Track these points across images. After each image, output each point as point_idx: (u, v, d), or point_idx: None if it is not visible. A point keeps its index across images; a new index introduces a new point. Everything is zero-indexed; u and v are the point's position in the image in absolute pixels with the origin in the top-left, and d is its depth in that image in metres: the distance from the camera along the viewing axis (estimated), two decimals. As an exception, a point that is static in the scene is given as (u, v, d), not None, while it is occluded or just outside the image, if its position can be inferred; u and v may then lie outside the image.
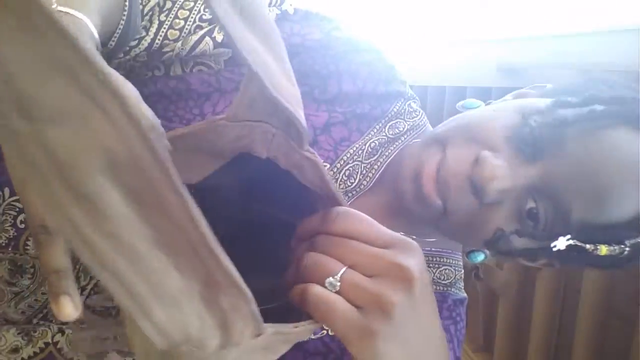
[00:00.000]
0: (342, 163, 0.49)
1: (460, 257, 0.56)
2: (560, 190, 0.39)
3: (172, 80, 0.46)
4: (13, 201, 0.44)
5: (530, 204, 0.41)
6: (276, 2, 0.50)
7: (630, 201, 0.39)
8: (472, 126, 0.43)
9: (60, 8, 0.35)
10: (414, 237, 0.50)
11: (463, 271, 0.56)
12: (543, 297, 1.69)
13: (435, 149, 0.44)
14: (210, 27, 0.46)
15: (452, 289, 0.56)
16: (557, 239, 0.41)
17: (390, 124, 0.52)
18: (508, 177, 0.40)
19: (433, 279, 0.53)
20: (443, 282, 0.54)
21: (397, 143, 0.52)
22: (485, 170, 0.40)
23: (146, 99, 0.46)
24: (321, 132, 0.49)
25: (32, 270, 0.46)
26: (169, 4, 0.47)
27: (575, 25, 1.77)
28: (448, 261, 0.55)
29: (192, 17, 0.46)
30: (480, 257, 0.50)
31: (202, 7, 0.46)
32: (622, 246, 0.40)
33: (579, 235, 0.40)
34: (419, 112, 0.55)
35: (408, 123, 0.53)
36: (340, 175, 0.49)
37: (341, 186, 0.49)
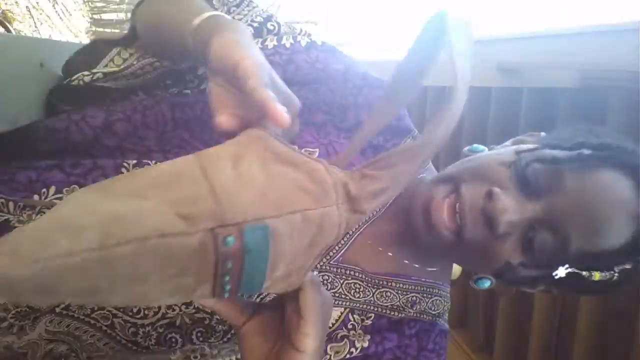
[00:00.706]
0: None
1: (449, 289, 0.62)
2: (561, 223, 0.46)
3: (197, 96, 0.56)
4: (56, 199, 0.49)
5: (533, 236, 0.47)
6: (305, 32, 0.58)
7: (619, 233, 0.46)
8: (481, 167, 0.50)
9: (206, 15, 0.43)
10: (417, 265, 0.58)
11: (449, 303, 0.62)
12: (543, 297, 1.69)
13: (447, 186, 0.50)
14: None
15: (440, 320, 0.61)
16: (557, 268, 0.47)
17: None
18: (517, 211, 0.46)
19: (424, 308, 0.59)
20: (432, 311, 0.59)
21: None
22: (498, 205, 0.46)
23: (188, 122, 0.54)
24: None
25: None
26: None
27: (575, 25, 1.77)
28: (439, 292, 0.60)
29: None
30: (487, 284, 0.56)
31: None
32: (613, 272, 0.48)
33: (576, 263, 0.47)
34: None
35: None
36: None
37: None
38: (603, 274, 0.47)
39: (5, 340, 0.49)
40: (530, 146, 0.51)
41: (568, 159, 0.47)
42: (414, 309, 0.59)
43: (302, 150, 0.49)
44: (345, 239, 0.55)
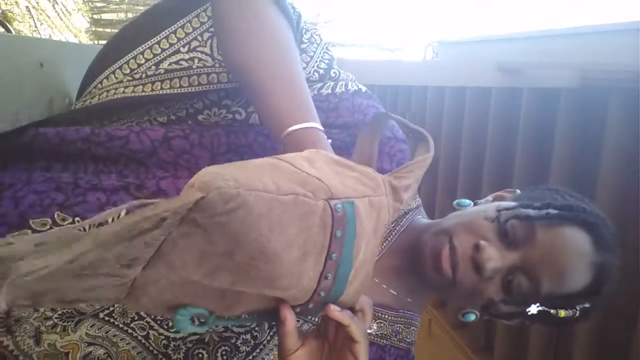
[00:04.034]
0: None
1: (419, 320, 0.73)
2: (534, 270, 0.57)
3: (260, 135, 0.62)
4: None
5: (510, 278, 0.58)
6: (354, 80, 0.68)
7: (580, 278, 0.57)
8: (470, 223, 0.60)
9: (305, 125, 0.49)
10: (409, 299, 0.68)
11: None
12: (543, 297, 1.69)
13: (444, 237, 0.60)
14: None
15: (412, 347, 0.70)
16: (530, 306, 0.58)
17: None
18: (499, 259, 0.57)
19: (403, 337, 0.68)
20: (408, 340, 0.68)
21: (407, 216, 0.68)
22: (484, 254, 0.57)
23: (240, 148, 0.60)
24: None
25: None
26: None
27: (575, 25, 1.77)
28: (415, 323, 0.70)
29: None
30: (472, 317, 0.66)
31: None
32: (575, 310, 0.58)
33: (545, 302, 0.57)
34: (417, 194, 0.72)
35: (414, 202, 0.70)
36: None
37: None
38: (567, 311, 0.58)
39: (49, 339, 0.54)
40: (510, 204, 0.62)
41: (538, 216, 0.58)
42: (397, 337, 0.67)
43: None
44: None
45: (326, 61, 0.66)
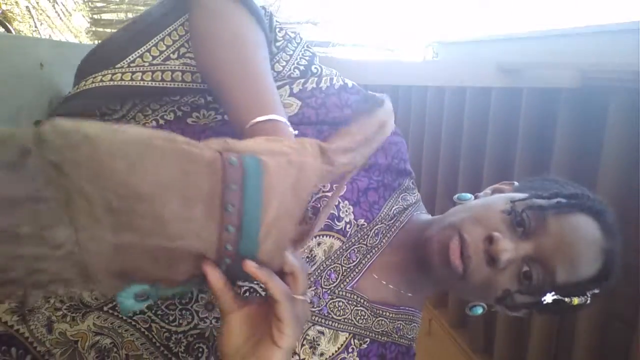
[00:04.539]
0: (375, 222, 0.64)
1: (421, 316, 0.72)
2: (548, 259, 0.57)
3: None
4: None
5: (526, 269, 0.58)
6: (339, 75, 0.68)
7: (592, 265, 0.58)
8: (479, 215, 0.60)
9: (266, 117, 0.49)
10: (410, 294, 0.68)
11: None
12: (543, 297, 1.69)
13: (451, 231, 0.60)
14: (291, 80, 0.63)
15: (413, 344, 0.70)
16: (545, 295, 0.58)
17: (402, 195, 0.69)
18: (513, 250, 0.57)
19: (404, 333, 0.68)
20: (409, 336, 0.68)
21: (406, 212, 0.68)
22: (499, 246, 0.56)
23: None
24: (362, 194, 0.64)
25: None
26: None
27: (575, 25, 1.77)
28: (416, 319, 0.70)
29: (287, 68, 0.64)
30: (479, 310, 0.67)
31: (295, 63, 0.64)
32: (586, 296, 0.59)
33: (560, 291, 0.57)
34: (415, 189, 0.73)
35: (413, 197, 0.70)
36: (371, 232, 0.64)
37: (370, 242, 0.64)
38: (580, 298, 0.59)
39: (60, 328, 0.57)
40: (520, 195, 0.62)
41: (549, 206, 0.58)
42: (398, 334, 0.67)
43: (332, 186, 0.60)
44: (360, 266, 0.63)
45: (307, 58, 0.67)
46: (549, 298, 0.58)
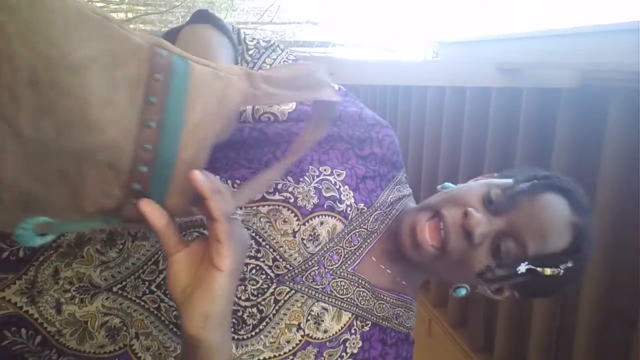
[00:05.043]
0: (374, 208, 0.67)
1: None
2: (519, 232, 0.61)
3: (254, 130, 0.65)
4: None
5: (499, 243, 0.62)
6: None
7: (561, 238, 0.61)
8: (457, 195, 0.65)
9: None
10: (404, 282, 0.70)
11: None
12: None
13: (428, 212, 0.63)
14: None
15: (412, 332, 0.73)
16: (520, 265, 0.62)
17: (397, 187, 0.72)
18: (487, 224, 0.61)
19: (402, 321, 0.70)
20: (407, 324, 0.71)
21: (401, 202, 0.71)
22: (473, 220, 0.60)
23: (237, 144, 0.63)
24: (361, 181, 0.67)
25: (121, 246, 0.59)
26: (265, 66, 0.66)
27: (575, 25, 1.77)
28: (413, 308, 0.73)
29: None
30: (463, 291, 0.69)
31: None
32: (559, 269, 0.62)
33: (533, 261, 0.61)
34: (407, 183, 0.76)
35: (405, 190, 0.74)
36: (371, 217, 0.67)
37: (370, 227, 0.67)
38: (552, 270, 0.62)
39: (69, 309, 0.59)
40: (498, 180, 0.67)
41: (522, 186, 0.63)
42: (397, 321, 0.70)
43: (332, 171, 0.64)
44: (360, 250, 0.66)
45: (290, 62, 0.70)
46: (522, 268, 0.61)
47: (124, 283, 0.60)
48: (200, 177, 0.40)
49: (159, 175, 0.40)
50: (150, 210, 0.40)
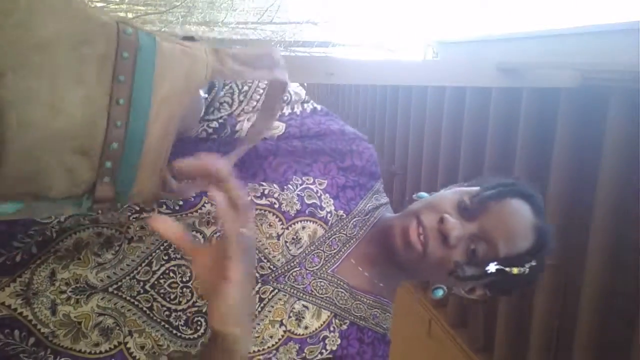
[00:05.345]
0: (353, 215, 0.73)
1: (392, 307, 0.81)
2: (490, 235, 0.67)
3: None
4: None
5: (472, 246, 0.68)
6: (309, 100, 0.79)
7: (526, 239, 0.68)
8: (432, 203, 0.71)
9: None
10: (382, 284, 0.75)
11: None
12: (543, 297, 1.69)
13: (411, 217, 0.70)
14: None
15: (388, 333, 0.77)
16: (489, 265, 0.67)
17: (374, 196, 0.78)
18: (461, 228, 0.67)
19: (379, 322, 0.75)
20: (384, 325, 0.76)
21: (378, 210, 0.77)
22: (448, 225, 0.66)
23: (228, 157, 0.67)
24: (341, 190, 0.73)
25: (117, 248, 0.62)
26: (246, 88, 0.70)
27: (575, 25, 1.77)
28: (389, 310, 0.77)
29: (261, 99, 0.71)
30: (440, 292, 0.74)
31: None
32: (524, 267, 0.68)
33: (502, 262, 0.67)
34: (384, 193, 0.82)
35: (383, 199, 0.80)
36: (350, 224, 0.73)
37: (349, 232, 0.73)
38: (518, 269, 0.68)
39: (64, 310, 0.61)
40: (469, 189, 0.73)
41: (490, 193, 0.69)
42: (374, 321, 0.74)
43: (315, 180, 0.71)
44: (340, 254, 0.72)
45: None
46: (492, 267, 0.67)
47: (119, 283, 0.62)
48: (225, 168, 0.45)
49: (130, 151, 0.41)
50: (163, 224, 0.44)
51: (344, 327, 0.71)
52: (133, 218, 0.63)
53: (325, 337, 0.70)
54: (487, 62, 1.62)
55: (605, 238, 1.43)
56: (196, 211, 0.63)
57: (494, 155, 1.95)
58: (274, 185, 0.67)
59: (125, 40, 0.39)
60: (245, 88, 0.70)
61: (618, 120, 1.41)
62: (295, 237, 0.67)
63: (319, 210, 0.69)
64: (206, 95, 0.65)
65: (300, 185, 0.69)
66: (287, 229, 0.67)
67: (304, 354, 0.68)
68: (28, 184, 0.39)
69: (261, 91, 0.71)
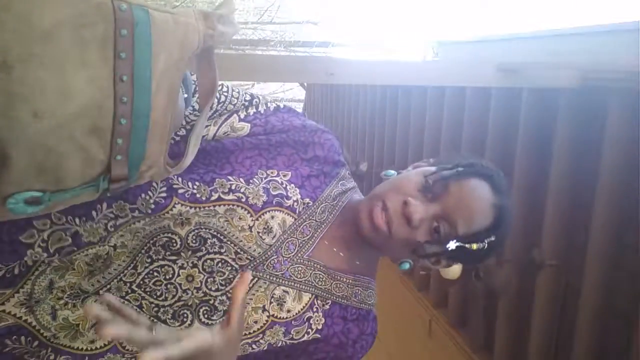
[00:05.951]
0: (320, 201, 0.77)
1: (375, 284, 0.85)
2: (451, 215, 0.71)
3: (212, 141, 0.74)
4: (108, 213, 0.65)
5: (435, 224, 0.72)
6: (271, 100, 0.82)
7: (485, 217, 0.72)
8: (397, 186, 0.75)
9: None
10: (358, 262, 0.80)
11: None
12: (543, 297, 1.69)
13: (377, 200, 0.73)
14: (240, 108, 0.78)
15: (374, 308, 0.82)
16: (449, 243, 0.72)
17: (340, 182, 0.82)
18: (423, 211, 0.71)
19: (363, 299, 0.80)
20: (368, 302, 0.80)
21: (346, 195, 0.82)
22: (411, 208, 0.70)
23: (199, 152, 0.68)
24: (305, 179, 0.77)
25: (105, 257, 0.66)
26: (222, 98, 0.75)
27: (575, 25, 1.77)
28: (372, 287, 0.82)
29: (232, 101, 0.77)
30: (406, 265, 0.79)
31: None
32: (484, 243, 0.72)
33: (462, 239, 0.71)
34: (351, 178, 0.87)
35: (349, 184, 0.84)
36: (318, 210, 0.77)
37: (318, 217, 0.77)
38: (478, 245, 0.72)
39: (63, 314, 0.66)
40: (431, 169, 0.76)
41: (451, 174, 0.73)
42: (357, 299, 0.79)
43: (279, 173, 0.74)
44: (313, 239, 0.76)
45: (248, 96, 0.79)
46: (452, 245, 0.71)
47: (108, 286, 0.67)
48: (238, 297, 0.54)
49: (138, 125, 0.43)
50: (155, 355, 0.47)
51: (327, 307, 0.76)
52: (110, 227, 0.65)
53: (309, 318, 0.74)
54: (487, 62, 1.62)
55: (605, 238, 1.43)
56: (168, 212, 0.65)
57: (494, 155, 1.95)
58: (240, 179, 0.70)
59: (122, 17, 0.41)
60: (222, 98, 0.74)
61: (618, 120, 1.41)
62: (265, 227, 0.71)
63: (285, 200, 0.73)
64: (186, 95, 0.66)
65: (265, 178, 0.73)
66: (257, 220, 0.70)
67: (290, 335, 0.73)
68: (45, 174, 0.40)
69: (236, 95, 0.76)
